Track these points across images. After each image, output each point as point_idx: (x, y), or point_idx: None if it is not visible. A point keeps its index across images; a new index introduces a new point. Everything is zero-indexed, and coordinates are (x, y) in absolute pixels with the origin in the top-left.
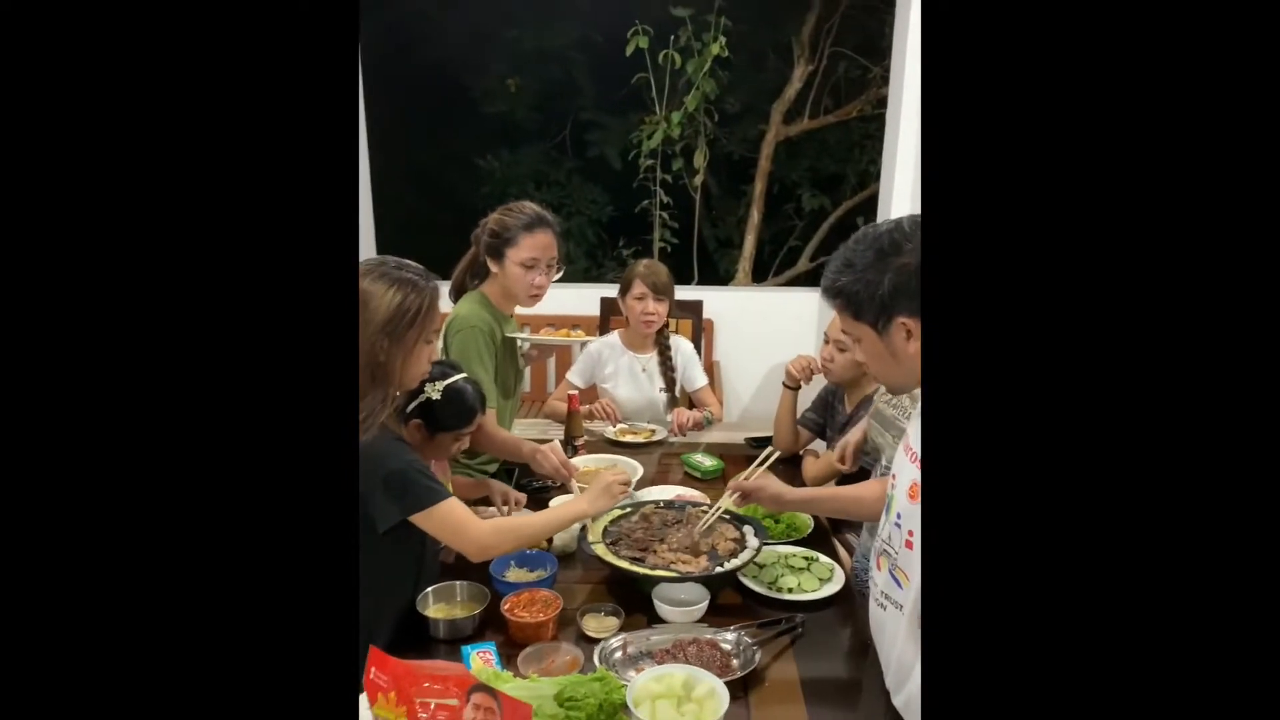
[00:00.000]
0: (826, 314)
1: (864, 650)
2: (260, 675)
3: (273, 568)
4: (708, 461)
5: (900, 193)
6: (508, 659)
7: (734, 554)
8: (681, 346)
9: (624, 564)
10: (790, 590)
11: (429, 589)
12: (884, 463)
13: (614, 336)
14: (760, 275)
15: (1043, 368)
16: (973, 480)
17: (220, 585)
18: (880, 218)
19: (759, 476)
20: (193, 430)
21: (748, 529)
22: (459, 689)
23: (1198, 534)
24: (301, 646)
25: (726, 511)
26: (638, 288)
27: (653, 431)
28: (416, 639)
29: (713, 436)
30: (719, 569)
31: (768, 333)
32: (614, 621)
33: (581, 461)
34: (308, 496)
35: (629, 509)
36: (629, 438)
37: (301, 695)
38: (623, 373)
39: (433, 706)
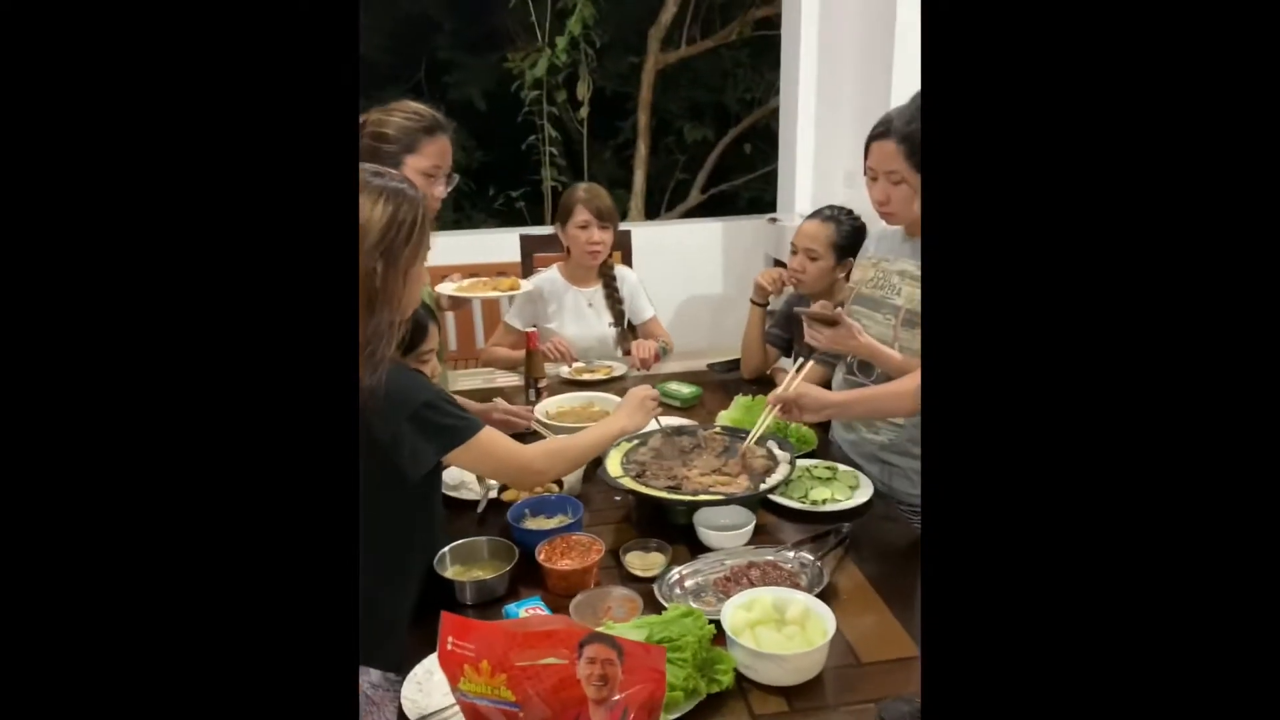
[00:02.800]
0: (733, 242)
1: (916, 547)
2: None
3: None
4: (685, 389)
5: (805, 111)
6: (556, 613)
7: (769, 471)
8: (627, 277)
9: (661, 493)
10: (824, 501)
11: (445, 549)
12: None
13: (554, 271)
14: (653, 212)
15: (1044, 363)
16: (976, 476)
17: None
18: (784, 138)
19: (798, 386)
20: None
21: (771, 444)
22: (568, 645)
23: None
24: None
25: (728, 430)
26: (580, 214)
27: (610, 368)
28: (441, 606)
29: (669, 367)
30: (763, 486)
31: (675, 266)
32: (660, 557)
33: (554, 403)
34: (304, 477)
35: (637, 440)
36: (586, 376)
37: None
38: (567, 310)
39: (541, 669)
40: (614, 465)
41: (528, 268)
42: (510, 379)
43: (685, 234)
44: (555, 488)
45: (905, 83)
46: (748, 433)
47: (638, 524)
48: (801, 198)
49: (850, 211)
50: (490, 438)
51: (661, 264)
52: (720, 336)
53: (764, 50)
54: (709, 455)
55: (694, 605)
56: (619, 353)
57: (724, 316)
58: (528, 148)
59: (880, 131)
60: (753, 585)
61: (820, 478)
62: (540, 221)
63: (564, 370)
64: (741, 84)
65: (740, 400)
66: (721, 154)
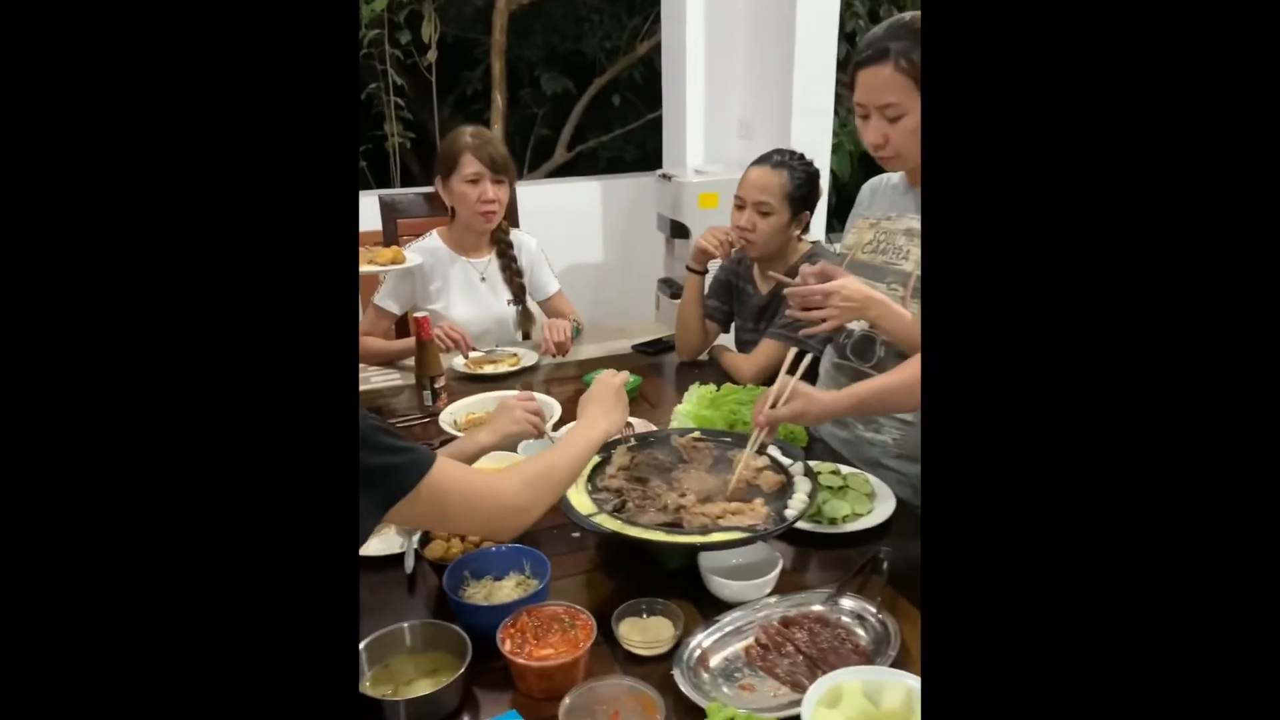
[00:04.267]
0: (614, 204)
1: None
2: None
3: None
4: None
5: (694, 54)
6: None
7: (784, 488)
8: (526, 244)
9: (662, 536)
10: (844, 519)
11: (360, 646)
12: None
13: (434, 239)
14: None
15: (1045, 357)
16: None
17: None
18: (669, 86)
19: (792, 397)
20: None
21: (773, 450)
22: None
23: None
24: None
25: (710, 434)
26: (469, 165)
27: (517, 357)
28: None
29: (583, 352)
30: (788, 512)
31: (549, 231)
32: (665, 626)
33: (460, 408)
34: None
35: (597, 458)
36: (489, 369)
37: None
38: (455, 285)
39: None
40: (579, 498)
41: (392, 237)
42: (388, 377)
43: (559, 195)
44: None
45: (811, 17)
46: (731, 434)
47: (608, 570)
48: (693, 151)
49: (802, 156)
50: (452, 472)
51: (533, 229)
52: (603, 311)
53: None
54: (699, 471)
55: (727, 692)
56: (519, 336)
57: (605, 288)
58: (368, 97)
59: (869, 56)
60: (801, 654)
61: (830, 486)
62: (386, 184)
63: (459, 362)
64: (600, 31)
65: (699, 391)
66: (588, 107)
